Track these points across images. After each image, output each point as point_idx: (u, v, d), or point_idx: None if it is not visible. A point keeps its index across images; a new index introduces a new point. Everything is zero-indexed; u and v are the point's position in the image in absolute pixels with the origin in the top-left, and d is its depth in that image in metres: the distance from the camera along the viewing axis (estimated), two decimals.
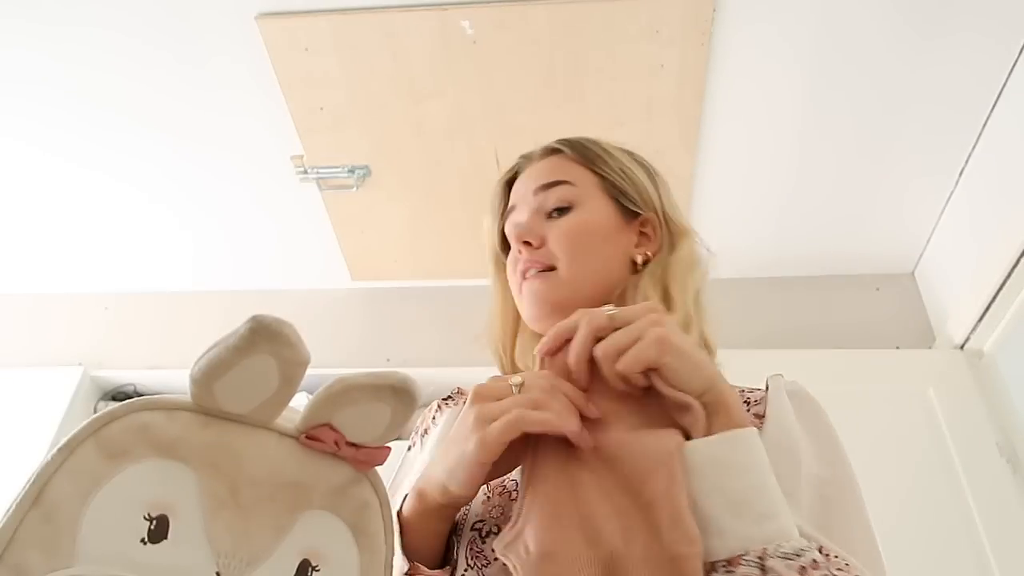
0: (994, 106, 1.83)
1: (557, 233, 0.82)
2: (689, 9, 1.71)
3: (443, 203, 2.14)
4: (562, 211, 0.84)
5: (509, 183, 0.93)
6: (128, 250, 2.37)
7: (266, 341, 0.45)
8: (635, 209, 0.87)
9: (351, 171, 2.07)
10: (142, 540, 0.43)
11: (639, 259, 0.85)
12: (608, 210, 0.86)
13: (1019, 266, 1.77)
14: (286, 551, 0.47)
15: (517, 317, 0.88)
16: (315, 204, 2.18)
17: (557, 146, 0.91)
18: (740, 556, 0.53)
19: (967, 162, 1.96)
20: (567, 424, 0.57)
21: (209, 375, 0.45)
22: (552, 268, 0.81)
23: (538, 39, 1.78)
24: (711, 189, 2.09)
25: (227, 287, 2.47)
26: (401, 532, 0.63)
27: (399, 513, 0.64)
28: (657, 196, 0.89)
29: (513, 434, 0.57)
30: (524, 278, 0.82)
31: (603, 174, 0.87)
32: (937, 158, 1.98)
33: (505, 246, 0.90)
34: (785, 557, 0.53)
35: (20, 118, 1.98)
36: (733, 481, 0.56)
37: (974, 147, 1.93)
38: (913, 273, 2.30)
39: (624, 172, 0.88)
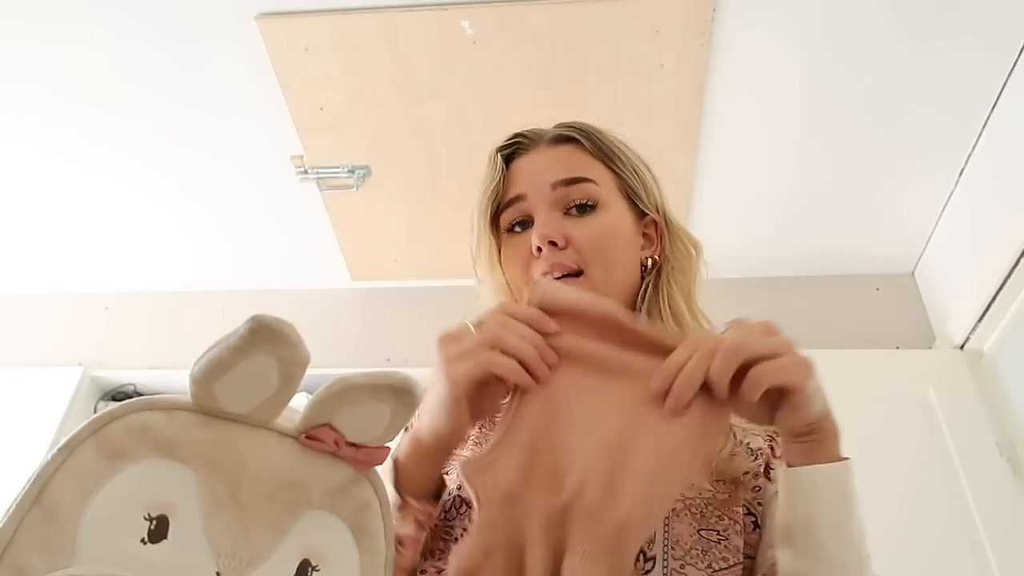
0: (994, 106, 1.83)
1: (586, 235, 0.77)
2: (689, 9, 1.71)
3: (443, 203, 2.14)
4: (583, 209, 0.79)
5: (506, 160, 0.86)
6: (128, 250, 2.37)
7: (266, 341, 0.45)
8: (644, 210, 0.85)
9: (351, 171, 2.07)
10: (142, 540, 0.43)
11: (649, 262, 0.84)
12: (627, 212, 0.83)
13: (1019, 266, 1.77)
14: (286, 551, 0.47)
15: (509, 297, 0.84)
16: (315, 204, 2.17)
17: (572, 134, 0.86)
18: None
19: (967, 162, 1.96)
20: (524, 376, 0.59)
21: (209, 375, 0.46)
22: (578, 272, 0.77)
23: (538, 39, 1.78)
24: (711, 189, 2.09)
25: (227, 287, 2.47)
26: (395, 472, 0.65)
27: (396, 458, 0.66)
28: (660, 196, 0.87)
29: (477, 373, 0.58)
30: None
31: (620, 172, 0.84)
32: (937, 158, 1.98)
33: (495, 222, 0.84)
34: None
35: (20, 118, 1.98)
36: (847, 512, 0.59)
37: (974, 147, 1.93)
38: (913, 273, 2.30)
39: (637, 172, 0.86)
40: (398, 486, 0.65)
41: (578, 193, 0.80)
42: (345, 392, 0.48)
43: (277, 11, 1.75)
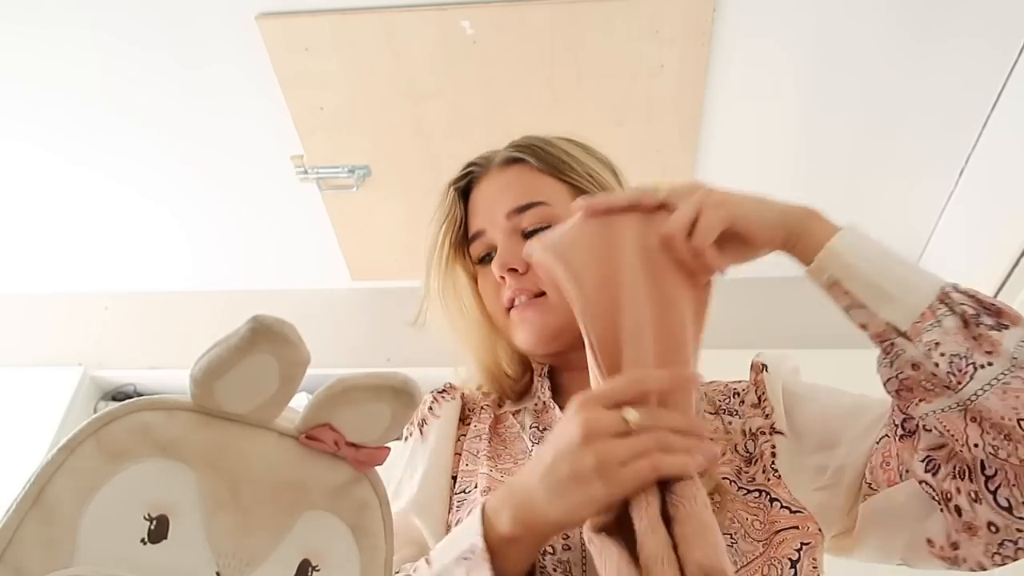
0: (993, 107, 1.83)
1: None
2: (689, 9, 1.71)
3: None
4: (538, 231, 0.79)
5: (463, 191, 0.88)
6: (128, 250, 2.37)
7: (266, 341, 0.45)
8: None
9: (351, 171, 2.07)
10: (142, 540, 0.43)
11: None
12: None
13: (1019, 266, 1.77)
14: (286, 551, 0.47)
15: (492, 326, 0.86)
16: (315, 204, 2.17)
17: (518, 155, 0.86)
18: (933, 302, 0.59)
19: (967, 162, 1.96)
20: (700, 464, 0.56)
21: (209, 375, 0.46)
22: (541, 293, 0.78)
23: (538, 39, 1.78)
24: None
25: (227, 287, 2.47)
26: (490, 554, 0.59)
27: (485, 537, 0.59)
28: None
29: (649, 481, 0.55)
30: (511, 306, 0.80)
31: (573, 182, 0.83)
32: (937, 159, 1.98)
33: (459, 257, 0.86)
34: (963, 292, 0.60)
35: (21, 120, 1.99)
36: (881, 257, 0.63)
37: (974, 148, 1.93)
38: None
39: (592, 176, 0.84)
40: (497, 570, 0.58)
41: (530, 219, 0.81)
42: (345, 392, 0.48)
43: (277, 11, 1.75)
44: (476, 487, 0.76)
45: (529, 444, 0.80)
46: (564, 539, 0.66)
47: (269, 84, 1.87)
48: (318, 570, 0.47)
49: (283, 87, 1.88)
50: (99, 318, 2.48)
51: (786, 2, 1.70)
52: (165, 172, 2.12)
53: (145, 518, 0.44)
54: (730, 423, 0.75)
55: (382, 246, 2.31)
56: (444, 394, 0.88)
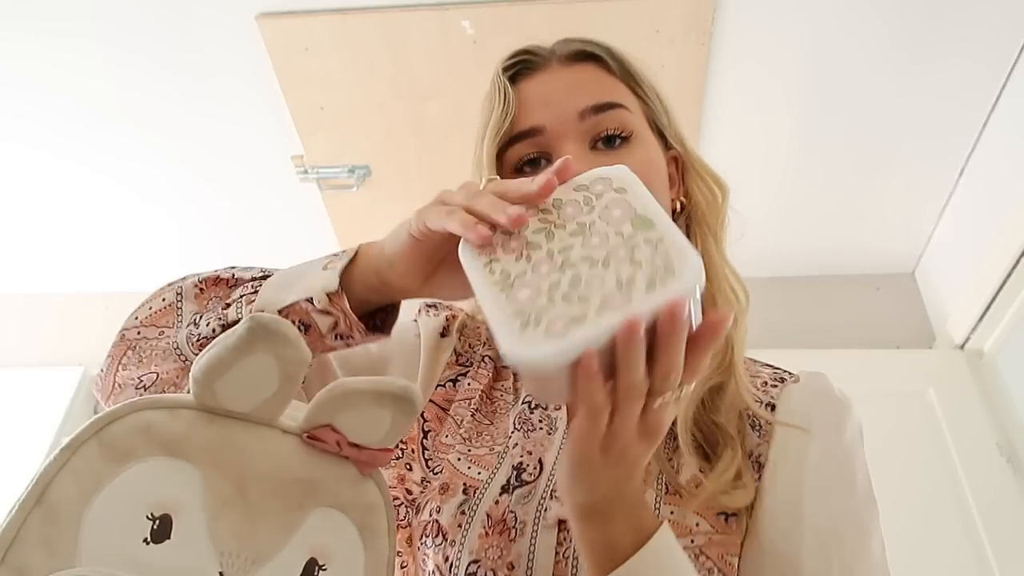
0: (993, 107, 1.83)
1: None
2: (689, 9, 1.71)
3: None
4: (612, 141, 0.67)
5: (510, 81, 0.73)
6: (128, 250, 2.37)
7: (264, 340, 0.45)
8: (669, 143, 0.73)
9: (351, 171, 2.07)
10: (144, 540, 0.43)
11: (678, 206, 0.73)
12: (658, 145, 0.71)
13: (1019, 266, 1.78)
14: (293, 549, 0.47)
15: None
16: (315, 204, 2.18)
17: (592, 51, 0.72)
18: None
19: (967, 162, 1.96)
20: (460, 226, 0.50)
21: (209, 374, 0.46)
22: None
23: (538, 39, 1.78)
24: None
25: None
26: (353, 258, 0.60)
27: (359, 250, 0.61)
28: (678, 127, 0.75)
29: (445, 224, 0.51)
30: None
31: (646, 99, 0.72)
32: (937, 158, 1.98)
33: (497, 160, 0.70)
34: None
35: (23, 121, 1.98)
36: None
37: (974, 147, 1.93)
38: (913, 273, 2.30)
39: (660, 97, 0.73)
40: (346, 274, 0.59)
41: (611, 122, 0.67)
42: (345, 396, 0.48)
43: (277, 11, 1.75)
44: (438, 474, 0.70)
45: (511, 428, 0.71)
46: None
47: (269, 84, 1.87)
48: (324, 569, 0.47)
49: (283, 87, 1.88)
50: (99, 318, 2.47)
51: (787, 2, 1.70)
52: (165, 172, 2.12)
53: (148, 518, 0.44)
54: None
55: None
56: (431, 308, 0.81)
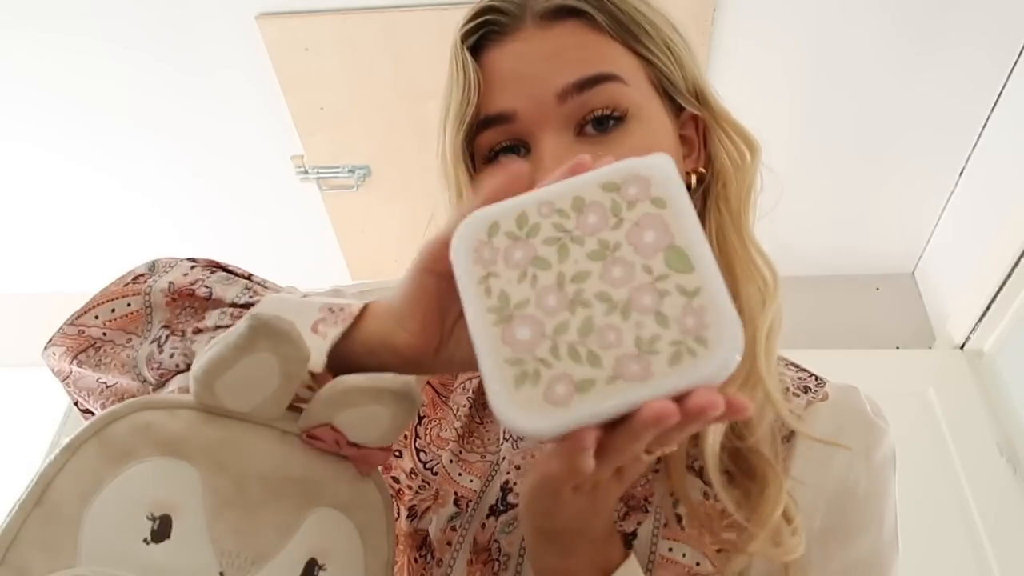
0: (994, 106, 1.83)
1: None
2: (689, 9, 1.71)
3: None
4: (604, 123, 0.55)
5: (472, 50, 0.60)
6: (128, 250, 2.37)
7: (266, 339, 0.45)
8: (683, 103, 0.61)
9: (351, 171, 2.07)
10: (144, 540, 0.43)
11: (693, 178, 0.61)
12: (663, 114, 0.59)
13: (1019, 266, 1.78)
14: (293, 549, 0.47)
15: None
16: (315, 204, 2.18)
17: (576, 3, 0.57)
18: None
19: (967, 162, 1.96)
20: None
21: (210, 373, 0.46)
22: None
23: None
24: None
25: None
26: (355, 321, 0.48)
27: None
28: (698, 72, 0.61)
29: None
30: None
31: (649, 57, 0.58)
32: (937, 158, 1.98)
33: (468, 150, 0.62)
34: None
35: (24, 121, 1.99)
36: None
37: (974, 147, 1.93)
38: (913, 273, 2.30)
39: (670, 48, 0.59)
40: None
41: (600, 100, 0.55)
42: (345, 394, 0.48)
43: (277, 11, 1.75)
44: (429, 470, 0.66)
45: (502, 437, 0.65)
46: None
47: (269, 84, 1.87)
48: (324, 569, 0.47)
49: (283, 87, 1.88)
50: None
51: (787, 2, 1.70)
52: (165, 172, 2.12)
53: (148, 518, 0.44)
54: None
55: (382, 246, 2.31)
56: None
